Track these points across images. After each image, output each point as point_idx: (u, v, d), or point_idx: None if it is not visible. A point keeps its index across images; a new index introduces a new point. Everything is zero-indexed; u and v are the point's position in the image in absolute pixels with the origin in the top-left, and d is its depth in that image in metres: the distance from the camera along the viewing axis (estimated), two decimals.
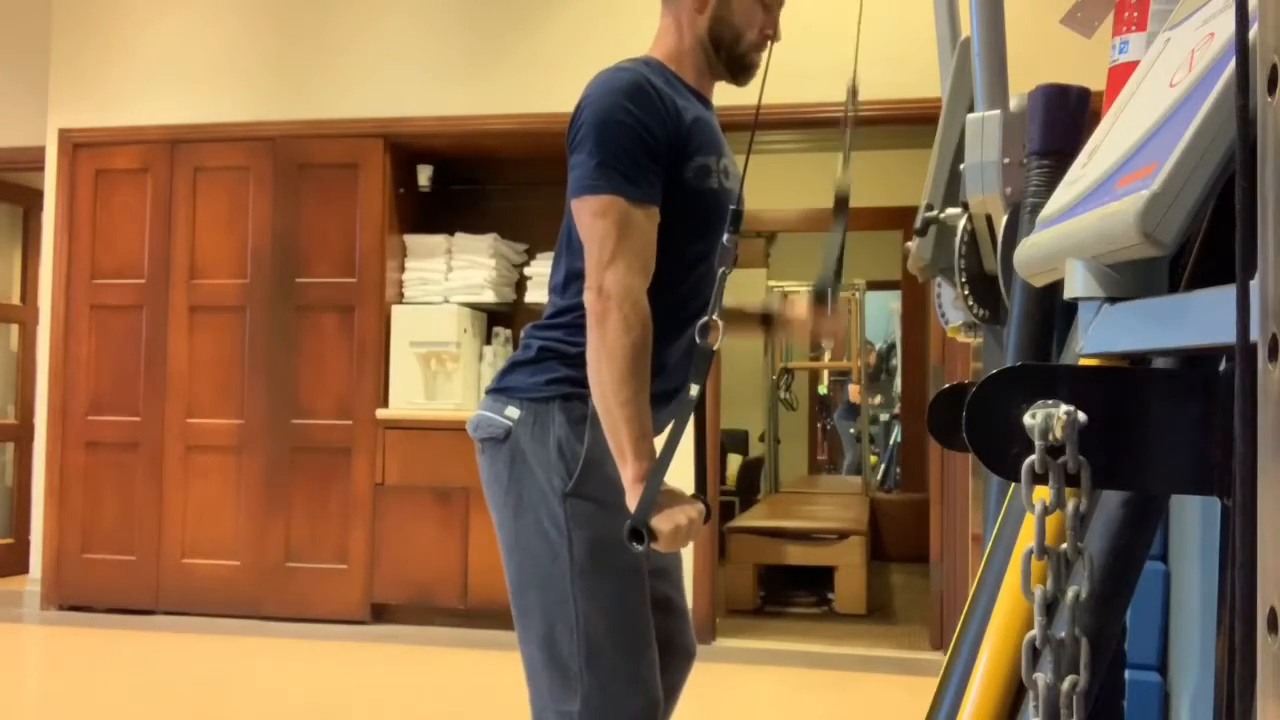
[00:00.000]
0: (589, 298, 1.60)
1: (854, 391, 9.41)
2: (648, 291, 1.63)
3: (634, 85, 1.66)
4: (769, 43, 1.83)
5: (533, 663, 1.69)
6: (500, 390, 1.74)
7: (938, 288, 1.83)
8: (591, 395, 1.62)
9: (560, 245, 1.77)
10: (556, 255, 1.79)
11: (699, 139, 1.71)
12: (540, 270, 4.97)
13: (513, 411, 1.70)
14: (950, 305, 1.71)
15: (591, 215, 1.62)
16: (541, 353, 1.72)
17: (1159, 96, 0.80)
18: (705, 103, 1.82)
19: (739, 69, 1.82)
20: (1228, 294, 0.59)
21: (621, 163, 1.62)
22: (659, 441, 1.62)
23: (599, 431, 1.64)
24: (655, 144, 1.65)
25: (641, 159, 1.63)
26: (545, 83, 4.69)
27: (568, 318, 1.72)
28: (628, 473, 1.58)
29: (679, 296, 1.72)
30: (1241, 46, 0.56)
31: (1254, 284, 0.54)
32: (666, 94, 1.69)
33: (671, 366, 1.75)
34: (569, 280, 1.73)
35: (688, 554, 4.61)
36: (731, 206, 1.71)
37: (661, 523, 1.54)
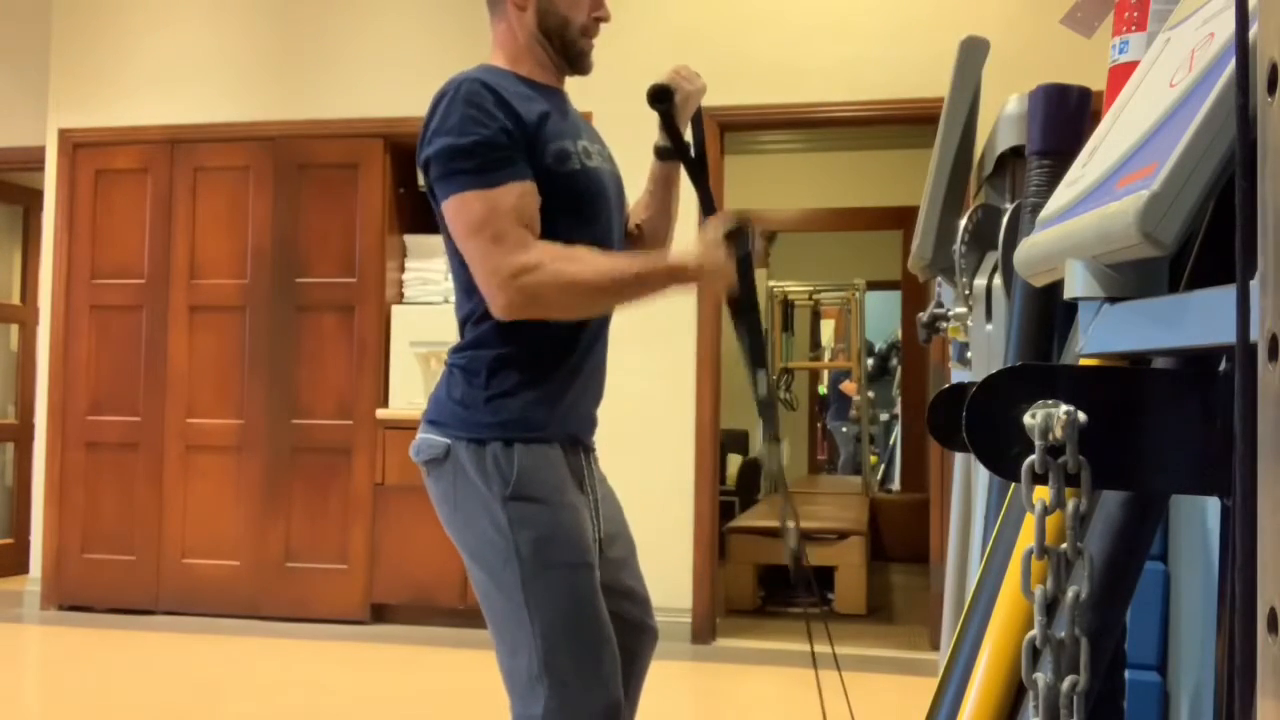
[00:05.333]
0: (500, 298, 1.63)
1: (850, 387, 9.41)
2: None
3: (462, 88, 1.68)
4: (598, 25, 1.83)
5: (503, 669, 1.72)
6: (433, 424, 1.77)
7: (938, 288, 1.83)
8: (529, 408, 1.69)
9: (449, 260, 1.80)
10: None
11: (549, 126, 1.73)
12: None
13: (451, 434, 1.73)
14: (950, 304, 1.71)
15: (458, 221, 1.66)
16: (464, 379, 1.74)
17: (1159, 96, 0.80)
18: (554, 92, 1.82)
19: (574, 56, 1.82)
20: (1228, 294, 0.59)
21: (468, 159, 1.64)
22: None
23: (528, 448, 1.68)
24: (500, 130, 1.66)
25: (487, 148, 1.65)
26: None
27: (475, 333, 1.74)
28: (680, 276, 1.71)
29: None
30: (1241, 46, 0.56)
31: (1254, 284, 0.54)
32: (503, 88, 1.71)
33: (573, 398, 1.76)
34: (469, 292, 1.74)
35: (687, 553, 4.61)
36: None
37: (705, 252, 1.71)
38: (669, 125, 1.79)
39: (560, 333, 1.73)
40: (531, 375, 1.71)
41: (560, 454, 1.73)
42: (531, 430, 1.70)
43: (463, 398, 1.72)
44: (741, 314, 1.77)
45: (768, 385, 1.78)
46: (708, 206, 1.86)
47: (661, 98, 1.79)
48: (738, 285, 1.74)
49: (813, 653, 1.80)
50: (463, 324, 1.76)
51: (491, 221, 1.62)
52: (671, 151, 1.85)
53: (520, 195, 1.65)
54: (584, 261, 1.66)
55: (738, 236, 1.72)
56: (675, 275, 1.72)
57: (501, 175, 1.64)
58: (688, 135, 1.86)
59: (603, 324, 1.82)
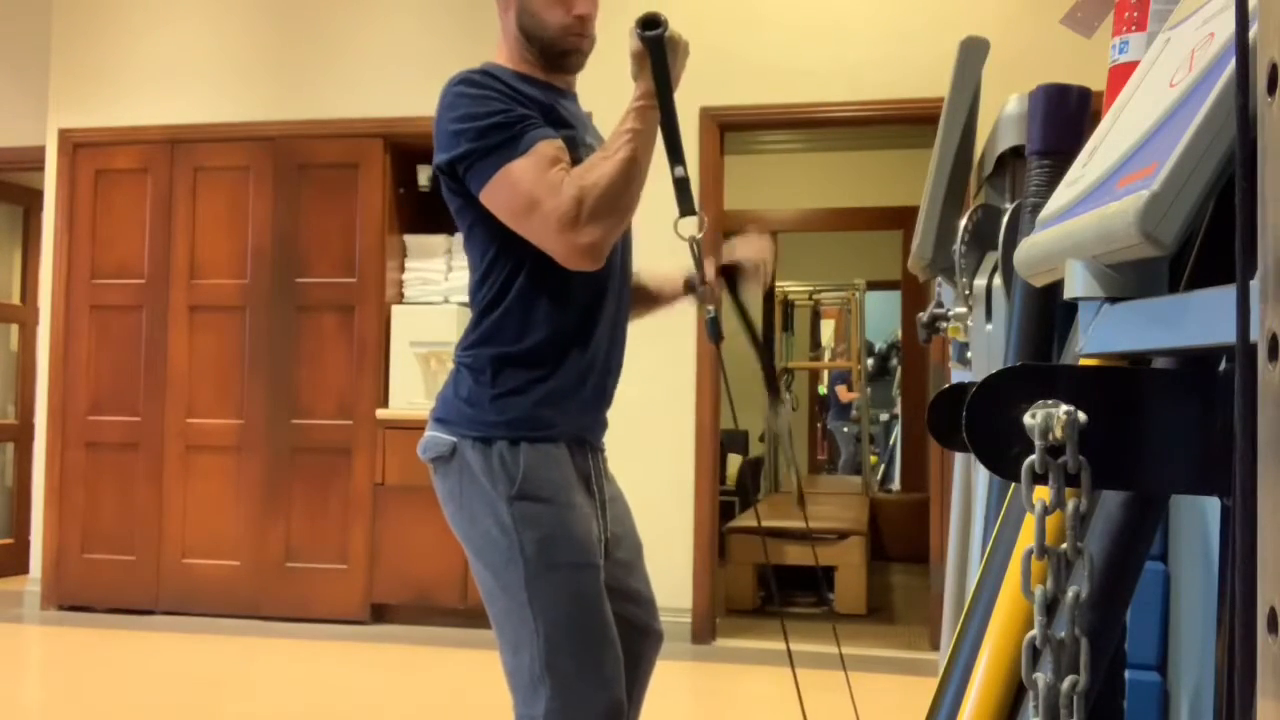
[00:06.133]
0: (568, 247, 1.62)
1: (842, 392, 9.42)
2: (540, 308, 1.70)
3: (463, 81, 1.70)
4: (583, 22, 1.79)
5: (507, 669, 1.72)
6: (441, 421, 1.77)
7: (938, 288, 1.83)
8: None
9: (466, 251, 1.80)
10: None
11: (553, 116, 1.74)
12: None
13: (458, 432, 1.74)
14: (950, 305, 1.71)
15: (503, 204, 1.65)
16: (471, 377, 1.74)
17: (1159, 96, 0.80)
18: (557, 90, 1.82)
19: (556, 56, 1.80)
20: (1228, 294, 0.60)
21: (490, 136, 1.65)
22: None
23: (534, 447, 1.69)
24: (509, 101, 1.67)
25: (504, 120, 1.65)
26: None
27: (482, 328, 1.74)
28: (646, 111, 1.68)
29: (574, 291, 1.73)
30: (1241, 46, 0.56)
31: (1254, 284, 0.54)
32: (505, 78, 1.72)
33: (582, 399, 1.76)
34: (478, 286, 1.76)
35: (687, 553, 4.61)
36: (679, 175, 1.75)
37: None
38: (658, 61, 1.68)
39: (569, 331, 1.73)
40: (539, 374, 1.71)
41: (567, 454, 1.73)
42: (538, 429, 1.70)
43: (469, 396, 1.72)
44: (664, 108, 1.70)
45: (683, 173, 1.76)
46: (682, 192, 1.82)
47: (651, 25, 1.68)
48: (653, 69, 1.68)
49: (789, 650, 1.81)
50: (475, 316, 1.77)
51: (531, 190, 1.62)
52: (693, 288, 1.90)
53: (545, 147, 1.65)
54: (599, 164, 1.65)
55: (649, 27, 1.67)
56: (641, 111, 1.68)
57: (524, 141, 1.64)
58: (749, 295, 1.88)
59: (617, 326, 1.82)
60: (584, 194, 1.61)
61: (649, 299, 1.99)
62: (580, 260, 1.64)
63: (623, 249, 1.83)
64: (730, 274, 1.90)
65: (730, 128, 4.78)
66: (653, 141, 1.69)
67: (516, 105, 1.67)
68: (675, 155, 1.74)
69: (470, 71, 1.72)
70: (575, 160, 1.70)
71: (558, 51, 1.79)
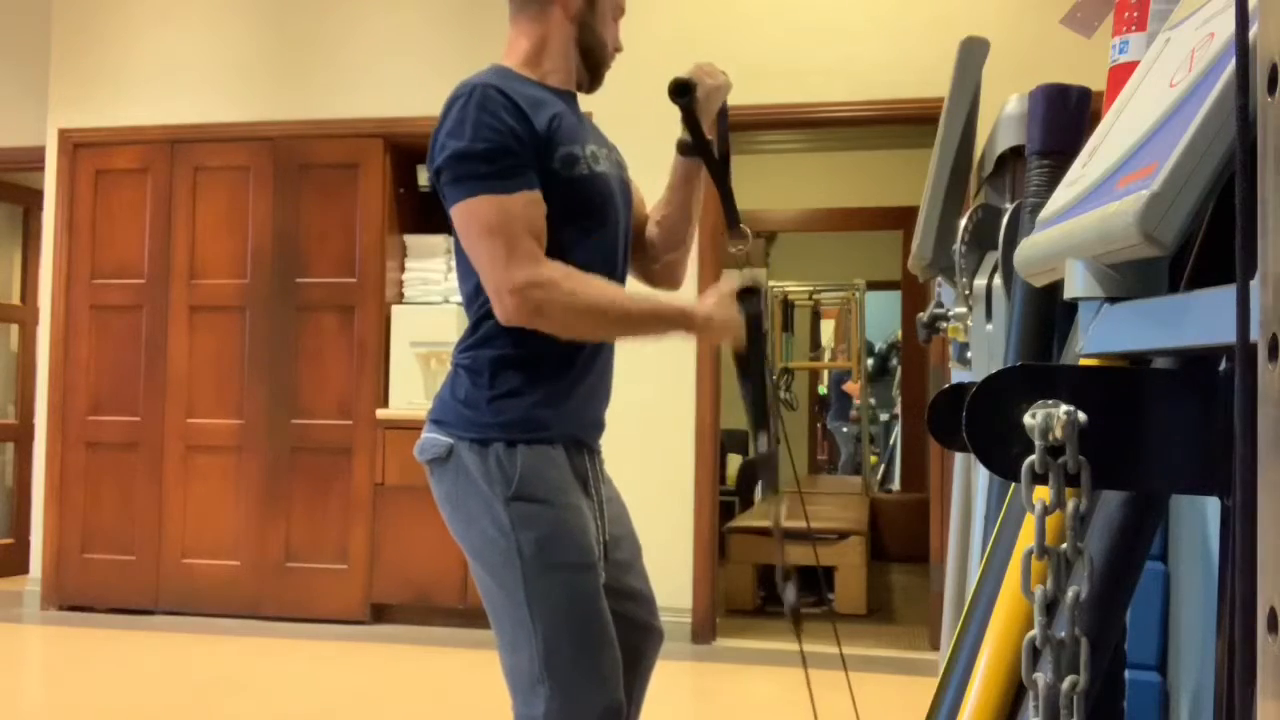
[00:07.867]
0: (508, 304, 1.63)
1: (853, 388, 9.40)
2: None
3: (475, 93, 1.68)
4: (616, 53, 1.87)
5: (505, 669, 1.72)
6: (437, 423, 1.77)
7: (938, 288, 1.83)
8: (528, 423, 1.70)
9: (457, 262, 1.81)
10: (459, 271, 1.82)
11: (560, 131, 1.73)
12: None
13: (454, 433, 1.74)
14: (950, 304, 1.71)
15: (471, 223, 1.65)
16: (469, 379, 1.75)
17: (1159, 96, 0.80)
18: (566, 97, 1.82)
19: (597, 77, 1.87)
20: (1228, 294, 0.60)
21: (482, 164, 1.64)
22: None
23: (531, 449, 1.69)
24: (512, 136, 1.66)
25: (500, 154, 1.65)
26: None
27: (480, 333, 1.75)
28: (686, 322, 1.73)
29: None
30: (1241, 46, 0.56)
31: (1254, 284, 0.54)
32: (517, 93, 1.70)
33: (578, 400, 1.77)
34: (476, 291, 1.75)
35: (687, 553, 4.61)
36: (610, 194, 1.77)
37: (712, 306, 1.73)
38: (690, 121, 1.77)
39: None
40: (536, 376, 1.71)
41: (564, 455, 1.73)
42: (535, 431, 1.70)
43: (466, 398, 1.72)
44: (747, 373, 1.74)
45: (769, 444, 1.75)
46: (729, 207, 1.86)
47: (682, 91, 1.77)
48: (745, 344, 1.73)
49: (801, 652, 1.81)
50: (472, 322, 1.77)
51: (505, 227, 1.62)
52: (693, 147, 1.85)
53: (532, 204, 1.65)
54: (596, 287, 1.67)
55: (749, 296, 1.72)
56: (682, 321, 1.73)
57: (514, 183, 1.64)
58: (711, 134, 1.86)
59: None
60: (555, 287, 1.62)
61: (672, 202, 1.98)
62: (499, 313, 1.65)
63: (624, 253, 1.84)
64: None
65: (731, 128, 4.77)
66: (649, 335, 1.74)
67: (516, 139, 1.66)
68: (731, 217, 1.84)
69: (485, 86, 1.68)
70: (577, 176, 1.70)
71: (601, 74, 1.85)
